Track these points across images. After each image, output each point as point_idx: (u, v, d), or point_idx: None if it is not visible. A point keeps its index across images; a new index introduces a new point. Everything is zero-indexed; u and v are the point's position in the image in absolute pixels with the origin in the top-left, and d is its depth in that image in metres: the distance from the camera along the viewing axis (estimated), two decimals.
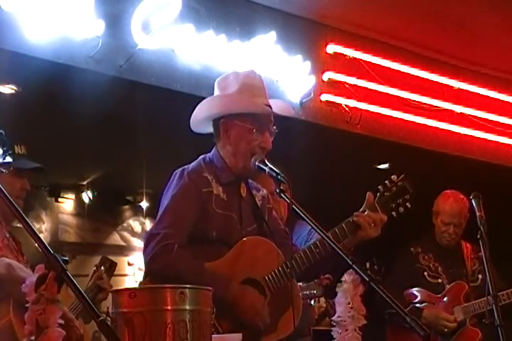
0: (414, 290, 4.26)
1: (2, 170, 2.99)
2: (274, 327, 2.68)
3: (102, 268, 3.88)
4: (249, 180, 2.93)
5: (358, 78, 6.13)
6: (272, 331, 2.68)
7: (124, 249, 8.95)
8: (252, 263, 2.72)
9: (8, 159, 2.97)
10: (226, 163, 2.82)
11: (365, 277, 2.36)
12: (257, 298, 2.65)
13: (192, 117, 2.87)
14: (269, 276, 2.70)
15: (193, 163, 2.84)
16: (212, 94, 2.93)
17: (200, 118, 2.86)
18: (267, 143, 2.78)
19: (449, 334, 4.13)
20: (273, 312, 2.68)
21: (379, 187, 2.87)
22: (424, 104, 6.60)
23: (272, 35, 5.58)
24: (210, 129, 2.88)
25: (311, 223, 2.51)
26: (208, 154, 2.88)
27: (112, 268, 3.95)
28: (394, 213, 2.85)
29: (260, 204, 2.91)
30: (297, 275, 2.74)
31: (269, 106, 2.80)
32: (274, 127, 2.82)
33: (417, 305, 4.20)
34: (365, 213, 2.79)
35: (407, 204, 2.87)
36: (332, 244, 2.47)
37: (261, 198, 2.93)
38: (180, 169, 2.79)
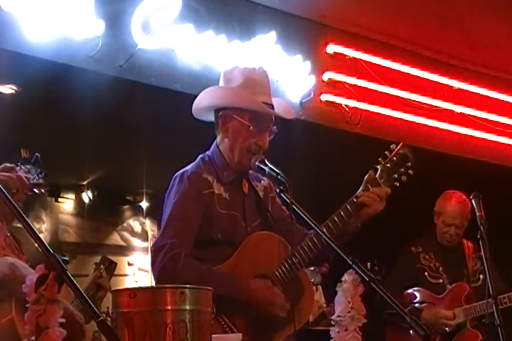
0: (415, 291, 4.25)
1: (36, 191, 2.98)
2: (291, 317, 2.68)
3: (102, 266, 3.87)
4: (250, 171, 2.89)
5: (358, 78, 6.12)
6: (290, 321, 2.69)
7: (124, 249, 8.95)
8: (258, 259, 2.72)
9: (42, 181, 2.97)
10: (225, 158, 2.81)
11: (365, 277, 2.35)
12: (269, 289, 2.65)
13: (194, 105, 2.88)
14: (279, 270, 2.71)
15: (192, 165, 2.82)
16: None
17: (201, 107, 2.86)
18: (264, 142, 2.77)
19: (449, 334, 4.11)
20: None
21: (379, 158, 2.83)
22: (424, 104, 6.59)
23: (272, 35, 5.57)
24: (211, 118, 2.87)
25: (311, 223, 2.51)
26: (207, 152, 2.87)
27: (111, 266, 3.93)
28: (397, 183, 2.81)
29: (263, 195, 2.89)
30: (305, 263, 2.74)
31: (272, 105, 2.80)
32: (275, 127, 2.82)
33: (417, 305, 4.18)
34: (370, 190, 2.75)
35: (409, 171, 2.83)
36: (332, 244, 2.47)
37: (263, 188, 2.92)
38: (180, 173, 2.78)
